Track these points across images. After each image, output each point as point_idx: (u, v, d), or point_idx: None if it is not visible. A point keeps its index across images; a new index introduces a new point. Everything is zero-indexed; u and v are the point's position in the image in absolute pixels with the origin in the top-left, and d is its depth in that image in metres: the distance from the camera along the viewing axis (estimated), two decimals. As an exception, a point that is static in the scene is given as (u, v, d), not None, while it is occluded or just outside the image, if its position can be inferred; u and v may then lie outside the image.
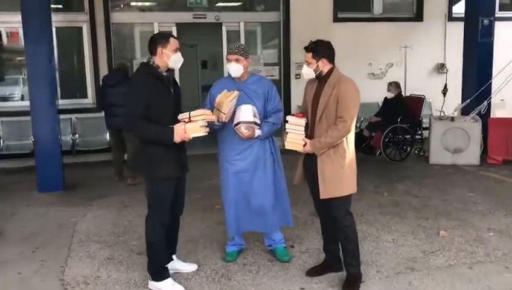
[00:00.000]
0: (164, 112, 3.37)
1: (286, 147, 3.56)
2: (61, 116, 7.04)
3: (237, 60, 3.74)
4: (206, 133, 3.43)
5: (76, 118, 8.33)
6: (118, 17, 8.61)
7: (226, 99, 3.53)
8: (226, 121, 3.66)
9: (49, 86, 6.42)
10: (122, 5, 8.84)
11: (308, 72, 3.50)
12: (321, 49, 3.43)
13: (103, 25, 8.34)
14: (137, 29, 8.94)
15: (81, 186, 6.87)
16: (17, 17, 6.45)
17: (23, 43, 6.85)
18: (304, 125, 3.51)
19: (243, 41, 9.11)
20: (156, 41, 3.41)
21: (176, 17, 8.85)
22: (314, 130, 3.48)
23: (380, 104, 8.48)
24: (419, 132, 8.21)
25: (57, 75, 7.64)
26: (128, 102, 3.40)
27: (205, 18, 8.97)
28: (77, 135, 8.29)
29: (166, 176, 3.45)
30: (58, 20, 8.16)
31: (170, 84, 3.51)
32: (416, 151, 8.19)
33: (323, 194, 3.46)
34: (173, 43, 3.42)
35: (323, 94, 3.44)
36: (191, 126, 3.33)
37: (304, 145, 3.48)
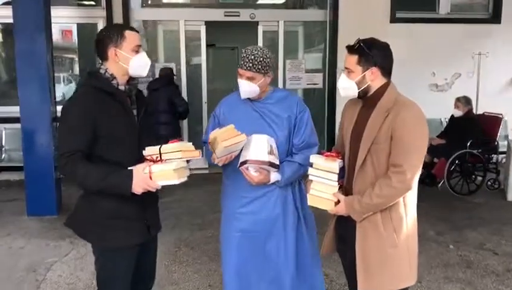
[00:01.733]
0: (119, 146, 2.23)
1: (309, 204, 2.33)
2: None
3: (251, 79, 2.50)
4: (185, 179, 2.21)
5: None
6: (139, 14, 7.57)
7: (224, 141, 2.32)
8: (221, 165, 2.47)
9: (41, 89, 5.41)
10: (144, 1, 7.82)
11: (347, 86, 2.22)
12: (374, 53, 2.15)
13: (122, 21, 7.31)
14: (161, 28, 7.86)
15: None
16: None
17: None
18: (337, 171, 2.22)
19: (281, 43, 7.85)
20: (104, 39, 2.24)
21: (205, 15, 7.72)
22: (354, 180, 2.20)
23: (445, 123, 6.95)
24: (494, 159, 6.62)
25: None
26: (60, 133, 2.24)
27: (238, 16, 7.77)
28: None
29: (122, 245, 2.28)
30: (72, 15, 7.28)
31: (131, 102, 2.33)
32: (489, 183, 6.58)
33: (363, 286, 2.15)
34: (131, 38, 2.24)
35: (370, 125, 2.16)
36: (160, 169, 2.12)
37: (337, 203, 2.20)
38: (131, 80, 2.34)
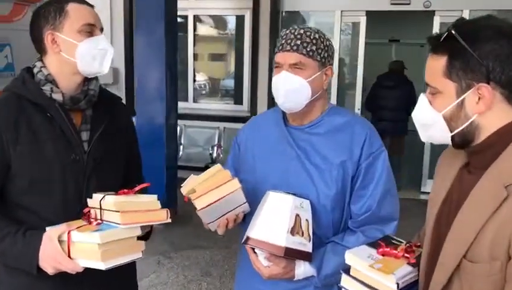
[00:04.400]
0: (42, 190, 1.43)
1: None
2: (208, 125, 6.22)
3: (298, 68, 1.46)
4: (129, 259, 1.35)
5: (224, 127, 6.71)
6: (289, 3, 6.61)
7: (203, 196, 1.39)
8: (220, 233, 1.53)
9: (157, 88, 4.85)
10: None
11: (428, 122, 1.07)
12: (484, 49, 0.96)
13: (268, 13, 6.47)
14: (313, 20, 6.79)
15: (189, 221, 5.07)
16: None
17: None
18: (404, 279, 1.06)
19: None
20: (38, 20, 1.46)
21: (367, 4, 6.38)
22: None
23: None
24: None
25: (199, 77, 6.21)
26: None
27: (409, 4, 6.24)
28: (222, 148, 6.64)
29: None
30: (216, 7, 6.71)
31: (84, 119, 1.48)
32: None
33: None
34: (78, 13, 1.44)
35: (465, 212, 1.01)
36: (80, 240, 1.27)
37: None
38: (88, 82, 1.48)
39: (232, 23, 7.18)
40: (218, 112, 6.93)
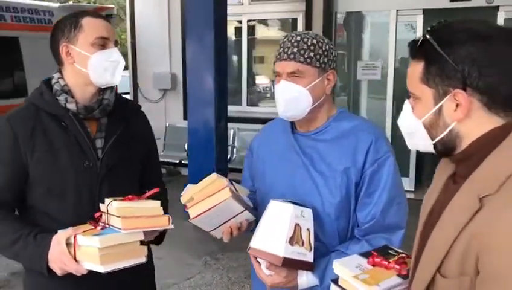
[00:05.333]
0: (56, 195, 1.52)
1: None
2: (261, 128, 5.65)
3: (296, 76, 1.45)
4: (129, 264, 1.39)
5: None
6: (343, 4, 6.52)
7: (196, 205, 1.44)
8: (226, 240, 1.56)
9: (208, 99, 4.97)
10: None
11: (411, 130, 1.04)
12: (459, 53, 0.91)
13: (321, 15, 6.41)
14: (368, 20, 6.64)
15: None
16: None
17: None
18: None
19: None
20: (55, 33, 1.55)
21: (424, 2, 6.15)
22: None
23: None
24: None
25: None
26: None
27: (469, 0, 5.95)
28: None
29: None
30: (270, 10, 6.76)
31: (99, 128, 1.60)
32: None
33: None
34: (92, 27, 1.52)
35: (441, 225, 0.97)
36: (84, 243, 1.35)
37: None
38: (104, 92, 1.56)
39: (285, 27, 7.19)
40: (271, 114, 6.94)
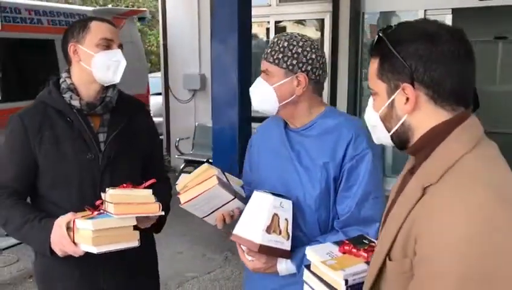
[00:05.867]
0: (62, 184, 1.69)
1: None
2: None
3: (266, 75, 1.60)
4: (122, 246, 1.53)
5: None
6: (370, 4, 6.50)
7: (189, 190, 1.55)
8: (220, 227, 1.69)
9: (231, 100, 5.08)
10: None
11: (373, 123, 1.12)
12: (407, 51, 1.00)
13: (348, 15, 6.42)
14: (395, 20, 6.58)
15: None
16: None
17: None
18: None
19: None
20: (66, 35, 1.74)
21: (453, 1, 6.06)
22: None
23: None
24: None
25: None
26: None
27: (501, -1, 5.81)
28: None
29: None
30: (297, 11, 6.82)
31: (102, 123, 1.75)
32: None
33: None
34: (97, 29, 1.70)
35: (392, 214, 1.07)
36: (81, 227, 1.49)
37: None
38: (107, 90, 1.73)
39: (313, 27, 7.23)
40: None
